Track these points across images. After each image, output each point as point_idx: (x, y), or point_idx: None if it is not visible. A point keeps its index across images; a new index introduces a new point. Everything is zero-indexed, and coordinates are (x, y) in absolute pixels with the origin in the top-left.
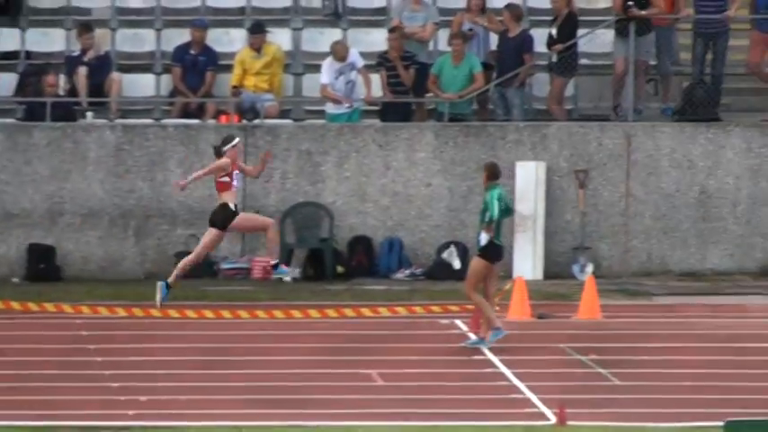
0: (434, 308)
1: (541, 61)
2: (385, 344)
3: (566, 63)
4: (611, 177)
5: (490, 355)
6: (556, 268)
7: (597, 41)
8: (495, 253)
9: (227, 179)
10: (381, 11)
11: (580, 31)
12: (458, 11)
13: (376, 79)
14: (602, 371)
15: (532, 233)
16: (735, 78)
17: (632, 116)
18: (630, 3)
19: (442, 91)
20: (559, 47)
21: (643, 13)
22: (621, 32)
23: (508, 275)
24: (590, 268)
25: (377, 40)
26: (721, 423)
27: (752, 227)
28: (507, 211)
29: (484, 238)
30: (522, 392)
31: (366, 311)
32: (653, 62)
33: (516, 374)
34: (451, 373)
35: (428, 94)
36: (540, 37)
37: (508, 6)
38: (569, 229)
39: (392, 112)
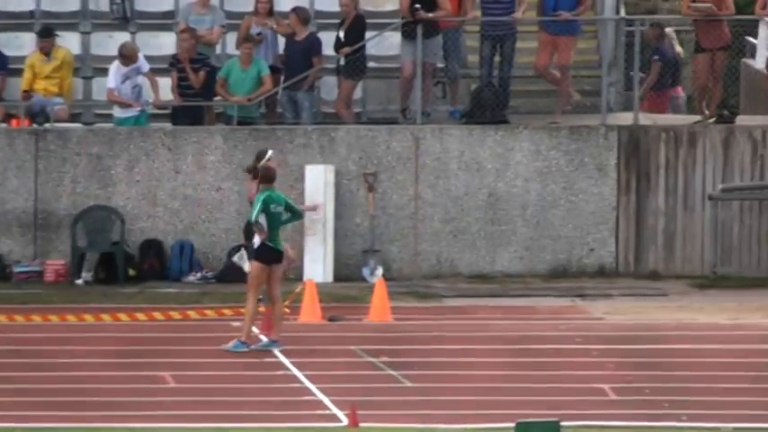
0: (226, 310)
1: (330, 64)
2: (177, 346)
3: (354, 66)
4: (399, 180)
5: (282, 358)
6: (346, 271)
7: (385, 44)
8: (269, 255)
9: None
10: (169, 14)
11: (368, 34)
12: (245, 14)
13: (165, 83)
14: (394, 373)
15: (322, 236)
16: (523, 81)
17: (420, 119)
18: (417, 6)
19: (231, 94)
20: (347, 50)
21: (430, 15)
22: (409, 35)
23: (299, 278)
24: (380, 271)
25: (166, 43)
26: (512, 424)
27: (541, 229)
28: (294, 214)
29: (256, 240)
30: (313, 394)
31: (158, 315)
32: (441, 65)
33: (308, 376)
34: (243, 376)
35: (216, 98)
36: (327, 40)
37: (295, 9)
38: (359, 231)
39: (182, 115)
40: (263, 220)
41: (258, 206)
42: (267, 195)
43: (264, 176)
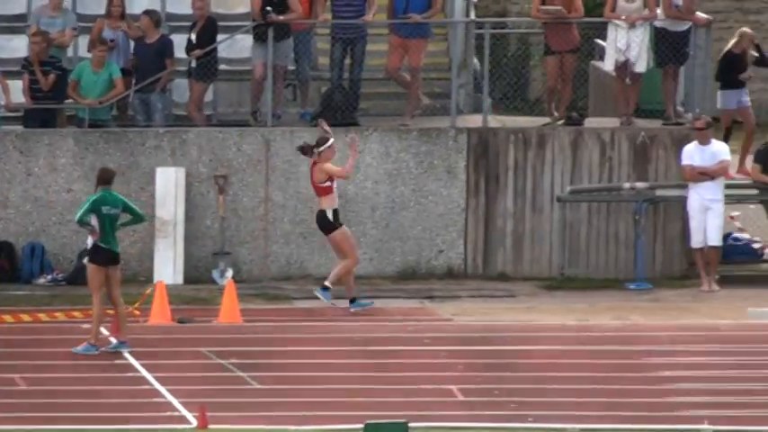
0: (76, 313)
1: (181, 67)
2: (28, 348)
3: (205, 68)
4: (250, 183)
5: (131, 359)
6: (196, 273)
7: (236, 47)
8: (102, 256)
9: (329, 183)
10: (21, 17)
11: (219, 37)
12: (97, 17)
13: (17, 85)
14: (243, 374)
15: (172, 238)
16: (373, 83)
17: (271, 121)
18: (268, 8)
19: (83, 97)
20: (199, 52)
21: (281, 18)
22: (260, 38)
23: (149, 280)
24: (230, 273)
25: (18, 45)
26: (361, 425)
27: (391, 231)
28: (135, 216)
29: (89, 241)
30: (163, 396)
31: (8, 317)
32: (291, 67)
33: (158, 378)
34: (93, 377)
35: (68, 100)
36: (179, 42)
37: (147, 12)
38: (209, 234)
39: (34, 118)
40: (94, 221)
41: (85, 206)
42: (100, 196)
43: (100, 178)
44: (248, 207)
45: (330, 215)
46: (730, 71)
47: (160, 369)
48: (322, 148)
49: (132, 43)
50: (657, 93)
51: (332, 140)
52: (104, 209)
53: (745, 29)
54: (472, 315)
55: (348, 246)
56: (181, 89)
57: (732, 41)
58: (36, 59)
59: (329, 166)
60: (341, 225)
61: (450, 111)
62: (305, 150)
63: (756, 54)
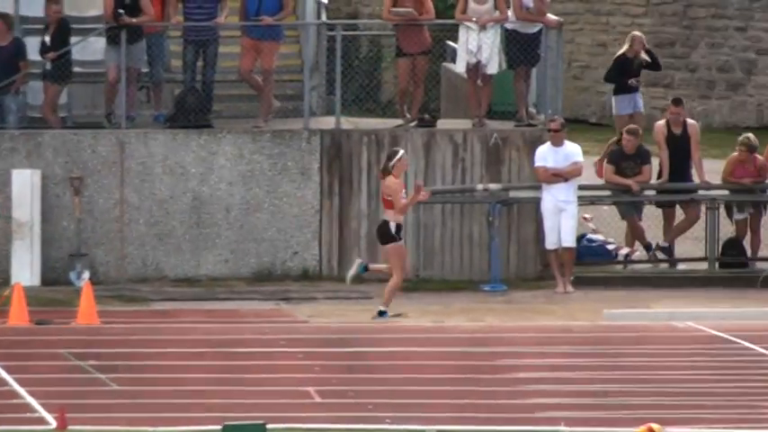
0: None
1: (36, 69)
2: None
3: (59, 70)
4: (105, 184)
5: None
6: (53, 274)
7: (90, 49)
8: None
9: (392, 198)
10: None
11: (73, 39)
12: None
13: None
14: (101, 376)
15: (29, 240)
16: (226, 85)
17: (125, 123)
18: (121, 11)
19: None
20: (53, 54)
21: (134, 20)
22: (113, 40)
23: (6, 282)
24: (86, 275)
25: None
26: (219, 426)
27: (245, 232)
28: None
29: None
30: (22, 398)
31: None
32: (145, 69)
33: (17, 380)
34: None
35: None
36: (33, 45)
37: (0, 15)
38: (66, 235)
39: None
40: None
41: None
42: None
43: None
44: (104, 209)
45: (393, 228)
46: (622, 75)
47: (19, 370)
48: (393, 162)
49: None
50: (509, 94)
51: (402, 152)
52: None
53: (636, 32)
54: (328, 317)
55: (399, 262)
56: (35, 91)
57: (625, 46)
58: None
59: (393, 185)
60: (400, 239)
61: (303, 113)
62: (386, 170)
63: (648, 59)
